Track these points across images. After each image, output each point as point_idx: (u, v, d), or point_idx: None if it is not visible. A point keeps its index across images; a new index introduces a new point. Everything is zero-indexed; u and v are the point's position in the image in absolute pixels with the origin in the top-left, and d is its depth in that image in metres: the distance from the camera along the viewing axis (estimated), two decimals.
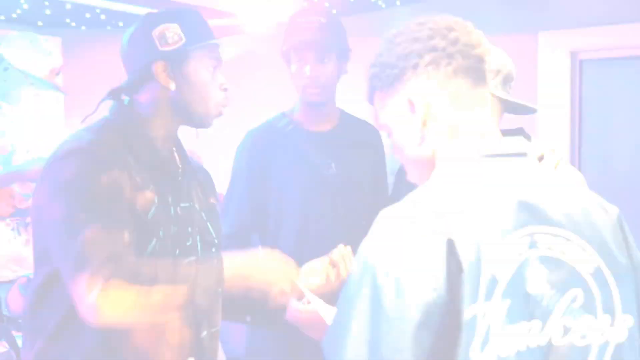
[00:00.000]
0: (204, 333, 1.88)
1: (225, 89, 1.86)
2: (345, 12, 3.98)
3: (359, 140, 2.57)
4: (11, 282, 3.07)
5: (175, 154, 1.92)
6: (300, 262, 2.46)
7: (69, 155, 1.70)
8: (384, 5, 4.07)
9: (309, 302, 2.23)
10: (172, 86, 1.79)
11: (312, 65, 2.42)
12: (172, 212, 1.82)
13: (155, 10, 1.86)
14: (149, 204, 1.74)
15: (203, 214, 1.94)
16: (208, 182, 2.04)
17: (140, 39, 1.80)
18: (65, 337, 1.73)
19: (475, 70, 1.29)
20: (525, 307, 1.16)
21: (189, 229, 1.87)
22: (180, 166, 1.91)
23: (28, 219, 3.35)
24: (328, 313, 2.15)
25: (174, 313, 1.64)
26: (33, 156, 3.45)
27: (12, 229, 3.40)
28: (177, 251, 1.81)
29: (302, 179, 2.47)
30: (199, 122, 1.87)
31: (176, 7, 1.86)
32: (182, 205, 1.86)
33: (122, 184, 1.69)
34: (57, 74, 3.34)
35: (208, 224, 1.94)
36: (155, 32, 1.79)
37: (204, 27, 1.86)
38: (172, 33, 1.79)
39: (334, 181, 2.48)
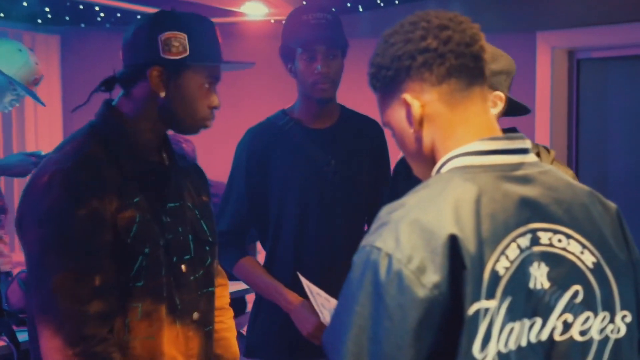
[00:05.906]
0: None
1: (215, 108, 1.83)
2: (343, 11, 3.98)
3: (359, 135, 2.58)
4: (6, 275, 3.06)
5: (164, 154, 1.89)
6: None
7: (51, 181, 1.68)
8: (382, 4, 4.08)
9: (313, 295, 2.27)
10: (162, 93, 1.77)
11: (322, 61, 2.42)
12: (164, 220, 1.80)
13: (156, 9, 1.81)
14: (130, 223, 1.72)
15: (196, 212, 1.92)
16: (201, 181, 2.02)
17: (145, 38, 1.76)
18: None
19: (471, 69, 1.28)
20: (527, 304, 1.17)
21: (180, 229, 1.85)
22: (168, 165, 1.88)
23: None
24: (331, 306, 2.17)
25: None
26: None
27: None
28: (175, 258, 1.80)
29: (302, 174, 2.49)
30: (182, 131, 1.86)
31: (189, 13, 1.83)
32: (169, 205, 1.83)
33: (102, 212, 1.67)
34: (37, 83, 3.33)
35: (202, 221, 1.93)
36: (162, 37, 1.75)
37: (212, 42, 1.82)
38: (178, 43, 1.75)
39: (333, 177, 2.50)
